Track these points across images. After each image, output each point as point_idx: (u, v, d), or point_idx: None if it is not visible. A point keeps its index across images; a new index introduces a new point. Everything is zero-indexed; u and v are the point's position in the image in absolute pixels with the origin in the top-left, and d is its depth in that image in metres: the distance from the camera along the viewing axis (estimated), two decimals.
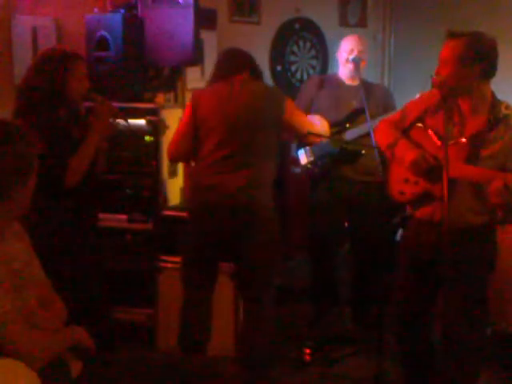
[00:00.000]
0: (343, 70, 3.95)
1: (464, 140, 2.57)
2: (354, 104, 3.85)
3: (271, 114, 3.04)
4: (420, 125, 2.74)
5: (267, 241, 3.03)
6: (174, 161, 3.48)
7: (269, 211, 3.05)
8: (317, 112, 3.90)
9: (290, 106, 3.11)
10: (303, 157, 3.90)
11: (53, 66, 2.74)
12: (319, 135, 3.78)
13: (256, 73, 3.13)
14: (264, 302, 3.09)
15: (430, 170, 2.60)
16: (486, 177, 2.47)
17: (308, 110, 3.95)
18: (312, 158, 3.86)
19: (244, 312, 3.16)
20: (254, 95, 3.03)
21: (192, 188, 3.15)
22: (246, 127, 2.98)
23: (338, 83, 3.97)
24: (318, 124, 3.29)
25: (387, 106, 3.89)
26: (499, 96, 2.64)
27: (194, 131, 3.03)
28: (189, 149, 3.08)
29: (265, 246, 3.03)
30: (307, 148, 3.87)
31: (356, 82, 3.89)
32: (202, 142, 3.02)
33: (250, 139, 2.99)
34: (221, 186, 2.96)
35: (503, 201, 2.40)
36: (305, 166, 3.90)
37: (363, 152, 3.72)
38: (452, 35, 2.54)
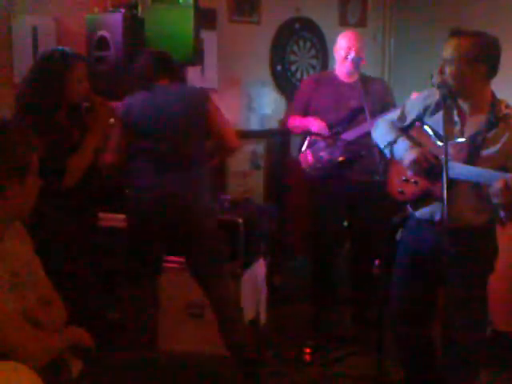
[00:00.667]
0: (341, 68, 3.92)
1: (464, 140, 2.57)
2: (352, 103, 3.84)
3: (197, 114, 3.09)
4: (419, 124, 2.74)
5: (209, 237, 3.14)
6: (109, 167, 3.34)
7: (206, 209, 3.14)
8: (315, 113, 3.89)
9: (213, 105, 3.15)
10: (304, 159, 3.89)
11: (53, 66, 2.74)
12: (319, 135, 3.80)
13: (176, 74, 3.18)
14: (222, 293, 3.18)
15: (430, 170, 2.60)
16: (486, 177, 2.46)
17: (306, 111, 3.95)
18: (312, 162, 3.85)
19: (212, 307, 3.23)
20: (178, 98, 3.08)
21: (131, 189, 3.18)
22: (175, 130, 3.04)
23: (336, 81, 3.94)
24: (231, 130, 3.27)
25: (385, 103, 3.86)
26: (499, 96, 2.64)
27: (127, 138, 3.08)
28: (124, 155, 3.12)
29: (206, 242, 3.13)
30: (308, 150, 3.86)
31: (353, 79, 3.88)
32: (136, 147, 3.07)
33: (181, 141, 3.05)
34: (158, 188, 3.03)
35: (505, 201, 2.40)
36: (306, 168, 3.89)
37: (363, 153, 3.71)
38: (456, 33, 2.53)
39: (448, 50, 2.51)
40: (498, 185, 2.37)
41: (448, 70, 2.51)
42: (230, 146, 3.22)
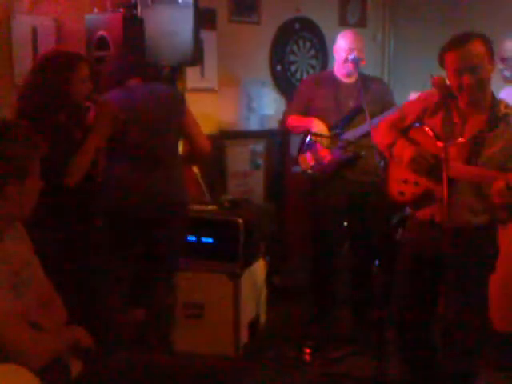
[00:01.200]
0: (341, 69, 3.92)
1: (464, 140, 2.57)
2: (352, 103, 3.83)
3: (173, 114, 3.15)
4: (419, 125, 2.74)
5: (182, 236, 3.30)
6: None
7: (185, 208, 3.25)
8: (315, 113, 3.89)
9: (187, 108, 3.22)
10: (304, 159, 3.89)
11: (56, 67, 2.73)
12: (318, 135, 3.80)
13: (149, 74, 3.21)
14: (165, 300, 3.30)
15: (431, 170, 2.60)
16: (487, 177, 2.46)
17: (306, 111, 3.94)
18: (312, 163, 3.85)
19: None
20: (153, 97, 3.12)
21: (112, 187, 3.14)
22: (152, 128, 3.07)
23: (335, 81, 3.93)
24: (204, 135, 3.33)
25: (385, 103, 3.85)
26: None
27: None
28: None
29: (179, 241, 3.27)
30: (308, 151, 3.86)
31: (353, 79, 3.87)
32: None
33: (159, 140, 3.09)
34: (142, 186, 3.07)
35: (506, 201, 2.39)
36: (305, 170, 3.89)
37: (363, 153, 3.71)
38: (468, 39, 2.48)
39: (465, 58, 2.47)
40: (498, 185, 2.37)
41: (467, 79, 2.47)
42: (201, 151, 3.28)
